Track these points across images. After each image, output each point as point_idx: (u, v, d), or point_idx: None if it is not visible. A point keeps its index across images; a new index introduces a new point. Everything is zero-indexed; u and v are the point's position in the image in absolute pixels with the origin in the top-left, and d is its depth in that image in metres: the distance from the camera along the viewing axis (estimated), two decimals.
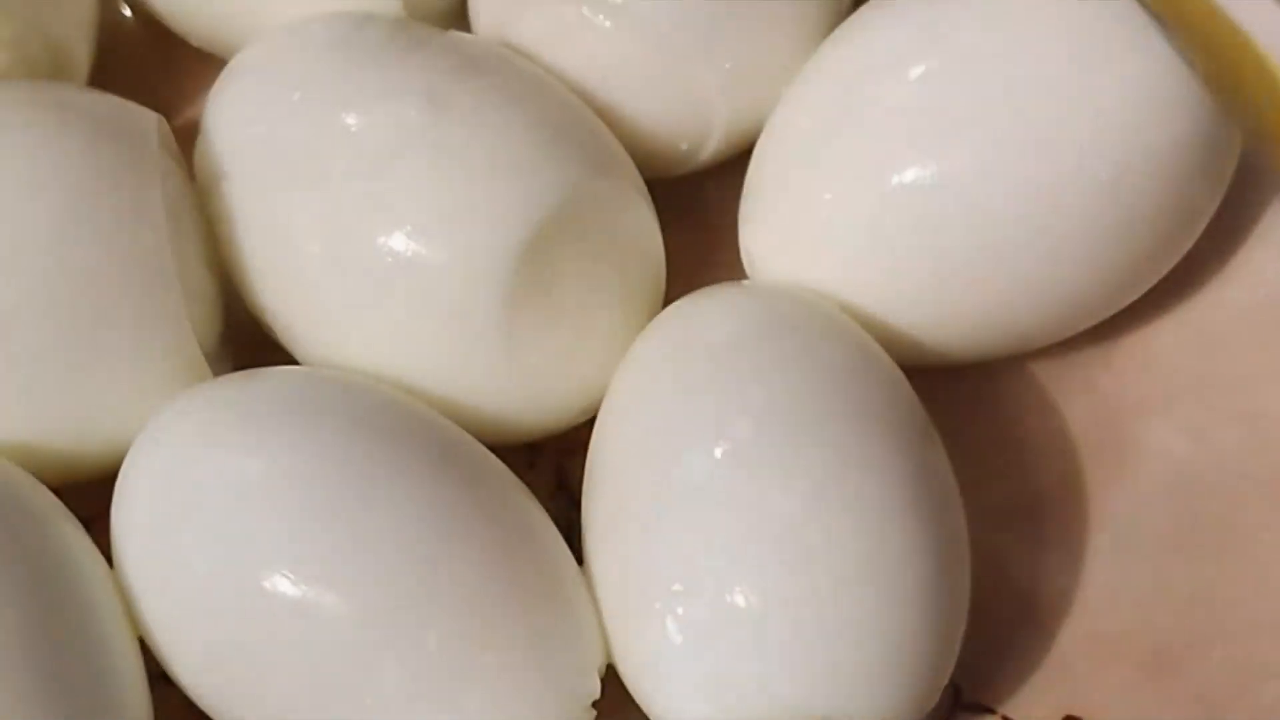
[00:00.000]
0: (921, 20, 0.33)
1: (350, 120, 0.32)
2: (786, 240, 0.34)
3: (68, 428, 0.32)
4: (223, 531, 0.30)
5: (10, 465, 0.31)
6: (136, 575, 0.30)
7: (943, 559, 0.30)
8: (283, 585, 0.29)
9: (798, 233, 0.34)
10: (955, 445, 0.32)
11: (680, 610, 0.29)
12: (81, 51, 0.37)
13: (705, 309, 0.33)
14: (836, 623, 0.29)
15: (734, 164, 0.36)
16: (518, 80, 0.34)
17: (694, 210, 0.37)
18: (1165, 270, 0.34)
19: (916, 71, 0.33)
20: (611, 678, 0.31)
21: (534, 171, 0.32)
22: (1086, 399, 0.35)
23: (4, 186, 0.31)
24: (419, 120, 0.32)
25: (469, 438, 0.32)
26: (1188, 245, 0.34)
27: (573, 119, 0.34)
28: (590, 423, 0.33)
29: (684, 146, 0.36)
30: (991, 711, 0.33)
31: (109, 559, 0.31)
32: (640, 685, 0.31)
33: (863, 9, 0.35)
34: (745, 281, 0.35)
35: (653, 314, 0.34)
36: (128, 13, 0.39)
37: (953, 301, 0.33)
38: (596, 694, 0.30)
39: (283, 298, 0.33)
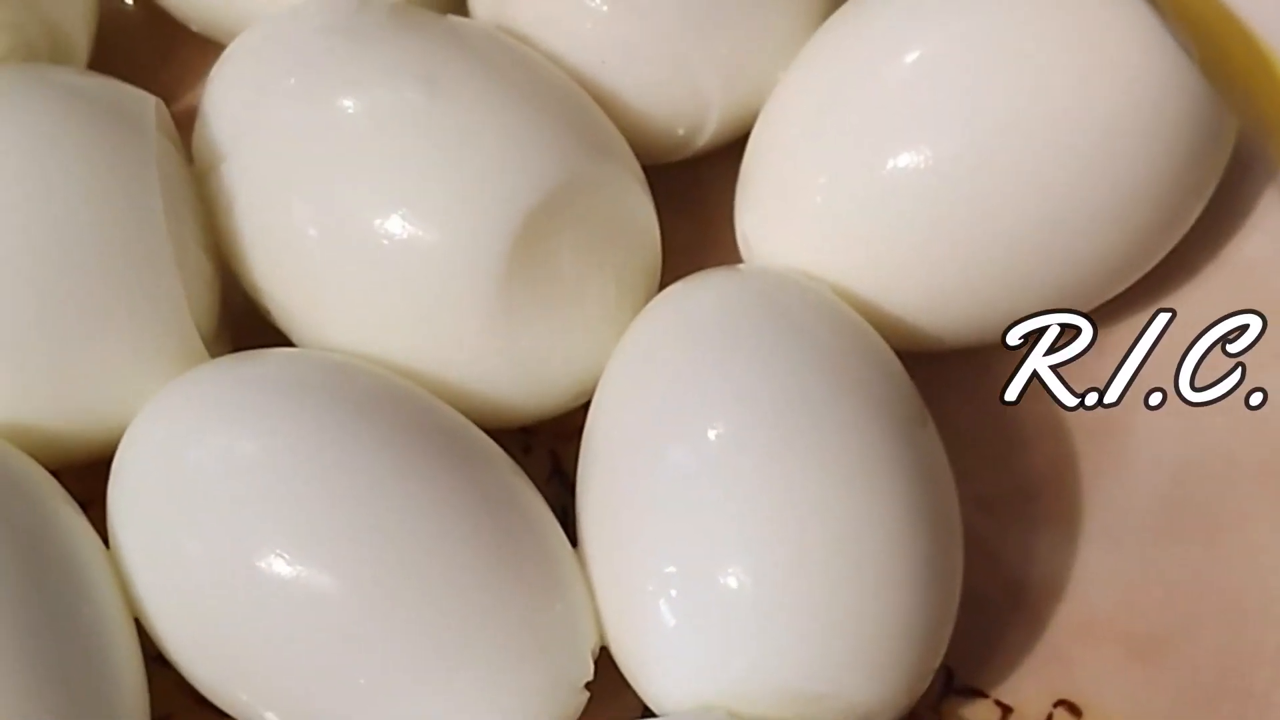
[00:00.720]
0: (916, 6, 0.33)
1: (348, 104, 0.32)
2: (782, 225, 0.34)
3: (65, 409, 0.32)
4: (219, 513, 0.30)
5: (7, 446, 0.31)
6: (133, 557, 0.30)
7: (935, 543, 0.30)
8: (278, 566, 0.29)
9: (793, 218, 0.34)
10: (948, 430, 0.32)
11: (673, 592, 0.30)
12: (81, 36, 0.37)
13: (701, 293, 0.33)
14: (828, 605, 0.29)
15: (730, 149, 0.36)
16: (514, 65, 0.34)
17: (690, 195, 0.37)
18: (1158, 257, 0.34)
19: (911, 57, 0.33)
20: (604, 660, 0.31)
21: (531, 155, 0.32)
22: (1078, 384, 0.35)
23: (1, 170, 0.31)
24: (416, 104, 0.32)
25: (464, 420, 0.32)
26: (1181, 232, 0.34)
27: (569, 104, 0.34)
28: (585, 407, 0.33)
29: (680, 132, 0.36)
30: (983, 695, 0.33)
31: (106, 541, 0.31)
32: (633, 667, 0.31)
33: None
34: (741, 266, 0.35)
35: (648, 298, 0.34)
36: None
37: (947, 286, 0.33)
38: (589, 675, 0.30)
39: (280, 280, 0.33)
